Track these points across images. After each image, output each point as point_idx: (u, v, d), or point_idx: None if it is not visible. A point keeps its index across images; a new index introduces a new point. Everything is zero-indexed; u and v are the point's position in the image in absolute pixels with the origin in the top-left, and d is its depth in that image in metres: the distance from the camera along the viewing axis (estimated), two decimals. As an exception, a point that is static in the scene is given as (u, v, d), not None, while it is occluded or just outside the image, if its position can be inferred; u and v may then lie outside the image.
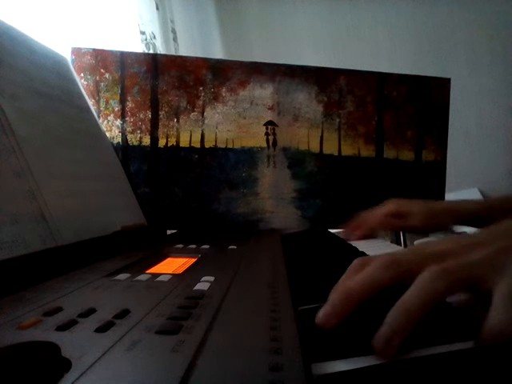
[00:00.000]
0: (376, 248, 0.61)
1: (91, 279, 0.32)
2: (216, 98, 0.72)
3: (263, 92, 0.74)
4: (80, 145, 0.51)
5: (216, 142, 0.72)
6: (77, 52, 0.67)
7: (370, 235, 0.61)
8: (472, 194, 1.49)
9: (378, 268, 0.25)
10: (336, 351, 0.21)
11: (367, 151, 0.78)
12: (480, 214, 0.50)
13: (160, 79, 0.70)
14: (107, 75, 0.68)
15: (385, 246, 0.66)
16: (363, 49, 1.52)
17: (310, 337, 0.22)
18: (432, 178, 0.80)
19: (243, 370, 0.16)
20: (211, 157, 0.72)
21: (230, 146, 0.73)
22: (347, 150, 0.77)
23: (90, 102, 0.60)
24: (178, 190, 0.71)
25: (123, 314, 0.23)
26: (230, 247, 0.48)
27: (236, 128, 0.73)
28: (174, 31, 1.22)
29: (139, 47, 0.98)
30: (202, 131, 0.72)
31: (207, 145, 0.72)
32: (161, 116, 0.70)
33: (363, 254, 0.53)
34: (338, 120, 0.77)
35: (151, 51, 1.02)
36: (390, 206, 0.56)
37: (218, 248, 0.48)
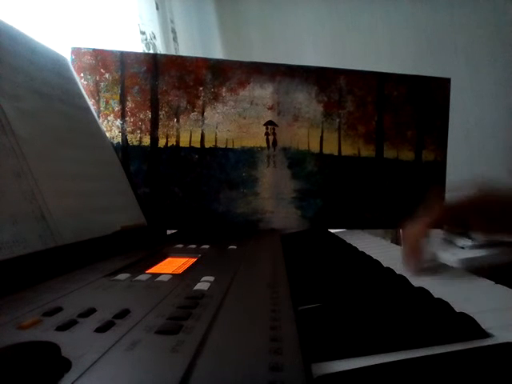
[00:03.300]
0: (376, 248, 0.61)
1: (91, 279, 0.32)
2: (216, 98, 0.72)
3: (263, 92, 0.74)
4: (80, 145, 0.51)
5: (216, 141, 0.72)
6: (77, 52, 0.67)
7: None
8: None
9: None
10: (336, 351, 0.21)
11: (367, 151, 0.78)
12: None
13: (160, 79, 0.70)
14: (107, 75, 0.68)
15: (384, 246, 0.66)
16: (363, 49, 1.52)
17: (310, 337, 0.22)
18: (432, 178, 0.80)
19: (243, 370, 0.16)
20: (211, 157, 0.72)
21: (230, 146, 0.73)
22: (347, 150, 0.77)
23: (90, 102, 0.60)
24: (178, 190, 0.71)
25: (123, 313, 0.23)
26: (230, 247, 0.48)
27: (236, 128, 0.73)
28: (174, 31, 1.22)
29: (139, 47, 0.98)
30: (202, 131, 0.72)
31: (207, 145, 0.72)
32: (161, 116, 0.70)
33: (363, 253, 0.53)
34: (337, 120, 0.77)
35: (151, 51, 1.02)
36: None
37: (218, 248, 0.48)
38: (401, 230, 0.53)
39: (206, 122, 0.72)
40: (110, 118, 0.68)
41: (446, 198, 0.44)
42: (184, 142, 0.71)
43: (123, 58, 0.69)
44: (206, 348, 0.18)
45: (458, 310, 0.26)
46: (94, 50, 0.67)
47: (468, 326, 0.24)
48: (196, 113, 0.72)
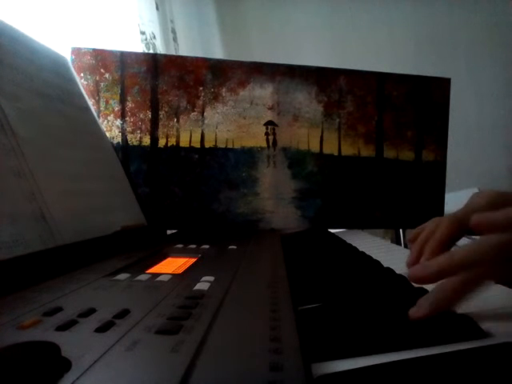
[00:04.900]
0: (376, 248, 0.61)
1: (91, 279, 0.32)
2: (216, 97, 0.72)
3: (263, 92, 0.74)
4: (80, 145, 0.51)
5: (216, 141, 0.72)
6: (77, 52, 0.67)
7: None
8: (472, 194, 1.48)
9: None
10: (336, 351, 0.21)
11: (367, 151, 0.78)
12: None
13: (160, 79, 0.70)
14: (107, 75, 0.68)
15: (384, 246, 0.66)
16: (363, 49, 1.52)
17: (310, 337, 0.22)
18: (432, 178, 0.80)
19: (243, 370, 0.16)
20: (211, 157, 0.72)
21: (229, 145, 0.73)
22: (347, 150, 0.77)
23: (90, 102, 0.60)
24: (178, 190, 0.71)
25: (123, 313, 0.23)
26: (230, 247, 0.48)
27: (236, 128, 0.73)
28: (173, 31, 1.22)
29: (139, 47, 0.98)
30: (202, 131, 0.72)
31: (207, 145, 0.72)
32: (161, 116, 0.70)
33: (363, 253, 0.53)
34: (337, 120, 0.77)
35: (151, 51, 1.02)
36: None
37: (218, 248, 0.48)
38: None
39: (206, 122, 0.72)
40: (110, 118, 0.68)
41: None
42: (184, 142, 0.71)
43: (123, 58, 0.69)
44: (206, 348, 0.18)
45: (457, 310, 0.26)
46: (94, 50, 0.67)
47: (467, 326, 0.24)
48: (196, 113, 0.72)
